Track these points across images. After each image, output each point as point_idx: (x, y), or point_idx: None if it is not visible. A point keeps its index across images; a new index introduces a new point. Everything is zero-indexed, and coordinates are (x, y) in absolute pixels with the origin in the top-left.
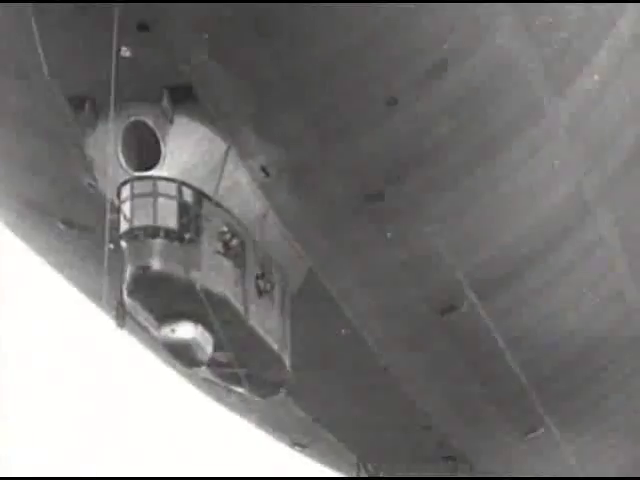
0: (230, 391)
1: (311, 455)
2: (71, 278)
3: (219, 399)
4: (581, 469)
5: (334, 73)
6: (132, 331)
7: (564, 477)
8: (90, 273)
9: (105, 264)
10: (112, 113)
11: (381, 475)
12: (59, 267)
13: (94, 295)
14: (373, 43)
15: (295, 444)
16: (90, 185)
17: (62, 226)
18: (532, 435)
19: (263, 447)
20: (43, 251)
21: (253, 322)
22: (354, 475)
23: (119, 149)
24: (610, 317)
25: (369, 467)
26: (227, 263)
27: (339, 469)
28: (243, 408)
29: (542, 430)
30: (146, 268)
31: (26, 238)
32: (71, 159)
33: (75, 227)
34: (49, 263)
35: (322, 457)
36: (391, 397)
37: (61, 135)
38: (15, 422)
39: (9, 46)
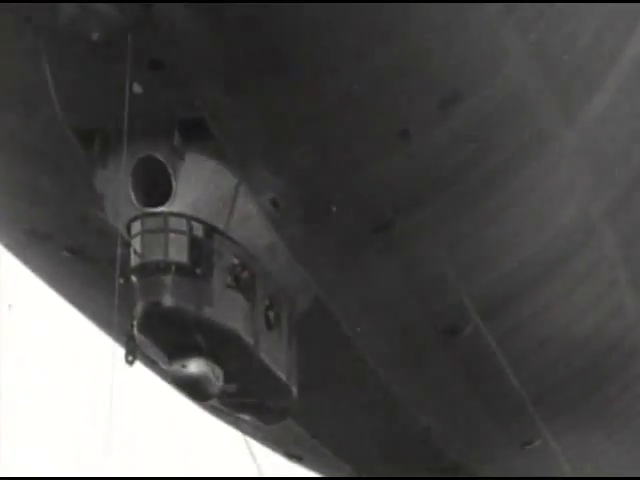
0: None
1: (306, 466)
2: (77, 305)
3: (212, 410)
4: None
5: (347, 107)
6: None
7: (560, 477)
8: (96, 301)
9: (115, 302)
10: (125, 151)
11: None
12: (65, 294)
13: (101, 322)
14: (386, 77)
15: (290, 456)
16: (98, 218)
17: (67, 254)
18: (529, 447)
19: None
20: (48, 278)
21: (263, 355)
22: None
23: (129, 185)
24: (611, 332)
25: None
26: (238, 297)
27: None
28: (237, 420)
29: (539, 442)
30: (157, 304)
31: (31, 265)
32: (79, 191)
33: (80, 256)
34: (55, 290)
35: (317, 468)
36: (391, 413)
37: (69, 168)
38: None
39: (20, 80)
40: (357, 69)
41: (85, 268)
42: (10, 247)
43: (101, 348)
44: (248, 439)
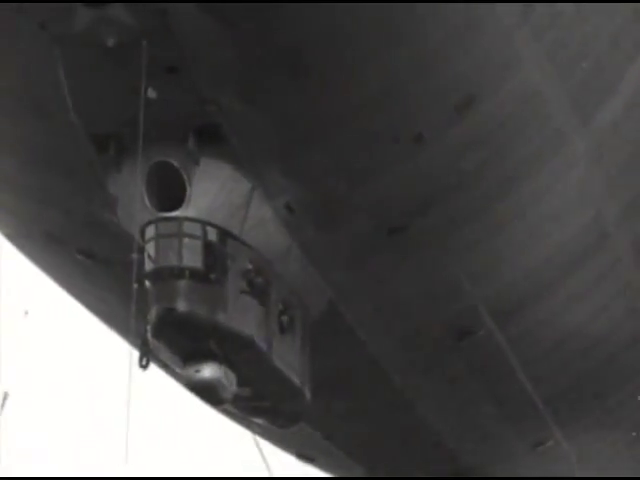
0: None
1: (318, 467)
2: (91, 308)
3: (224, 411)
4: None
5: (362, 111)
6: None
7: (572, 477)
8: (110, 304)
9: (133, 308)
10: (140, 156)
11: None
12: (79, 297)
13: (115, 325)
14: (401, 81)
15: (302, 457)
16: (112, 222)
17: (80, 257)
18: (541, 448)
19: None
20: (63, 281)
21: (276, 359)
22: None
23: (144, 189)
24: (624, 334)
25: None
26: (252, 302)
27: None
28: (249, 421)
29: (551, 442)
30: (172, 309)
31: (47, 268)
32: (93, 195)
33: (94, 259)
34: (69, 293)
35: (330, 469)
36: (404, 416)
37: (84, 172)
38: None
39: (35, 85)
40: (372, 73)
41: (99, 271)
42: (26, 250)
43: (118, 352)
44: (258, 438)
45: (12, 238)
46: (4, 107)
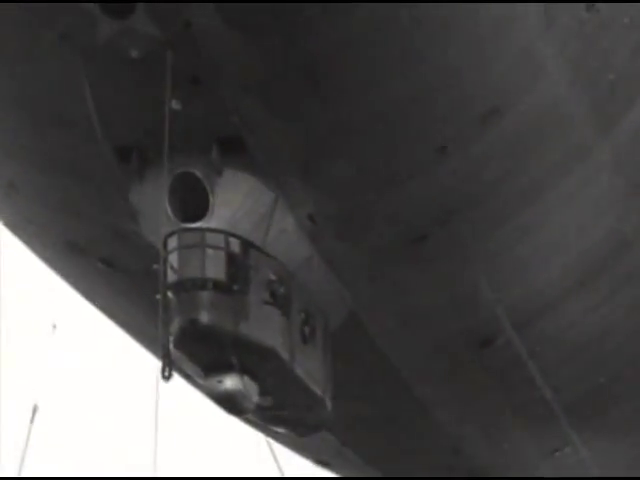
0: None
1: (334, 471)
2: (114, 318)
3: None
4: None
5: (385, 122)
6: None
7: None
8: (133, 314)
9: (159, 321)
10: (166, 168)
11: None
12: (102, 306)
13: (137, 335)
14: (425, 92)
15: (319, 462)
16: (134, 232)
17: (102, 266)
18: (559, 453)
19: None
20: (86, 291)
21: (298, 370)
22: None
23: (167, 200)
24: None
25: None
26: (274, 312)
27: None
28: (267, 428)
29: (569, 448)
30: (195, 321)
31: (69, 278)
32: (114, 205)
33: (116, 269)
34: (92, 303)
35: (345, 474)
36: (422, 423)
37: (105, 182)
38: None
39: (57, 95)
40: (396, 85)
41: (121, 281)
42: (49, 260)
43: (143, 364)
44: (270, 440)
45: (35, 248)
46: (26, 117)
